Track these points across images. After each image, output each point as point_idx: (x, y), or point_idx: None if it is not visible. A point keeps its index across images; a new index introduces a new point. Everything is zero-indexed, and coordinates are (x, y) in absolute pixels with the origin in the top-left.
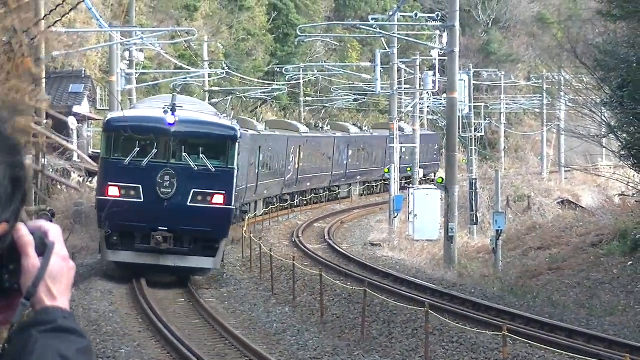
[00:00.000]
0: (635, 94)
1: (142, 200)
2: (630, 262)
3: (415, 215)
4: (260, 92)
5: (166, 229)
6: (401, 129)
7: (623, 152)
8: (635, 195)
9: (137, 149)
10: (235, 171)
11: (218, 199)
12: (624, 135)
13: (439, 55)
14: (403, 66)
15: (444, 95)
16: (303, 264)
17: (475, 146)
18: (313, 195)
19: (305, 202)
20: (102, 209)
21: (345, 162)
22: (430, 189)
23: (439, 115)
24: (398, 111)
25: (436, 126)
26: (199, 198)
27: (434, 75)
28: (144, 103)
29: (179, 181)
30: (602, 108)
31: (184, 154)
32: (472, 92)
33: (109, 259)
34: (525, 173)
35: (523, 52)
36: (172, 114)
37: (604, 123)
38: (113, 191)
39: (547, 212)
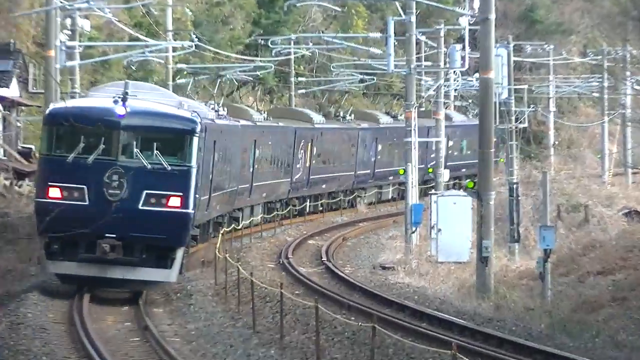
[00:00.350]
0: None
1: (86, 203)
2: None
3: (439, 230)
4: (240, 71)
5: (114, 236)
6: (449, 118)
7: None
8: None
9: (81, 145)
10: (194, 170)
11: (174, 201)
12: None
13: (470, 24)
14: (423, 38)
15: (476, 76)
16: (293, 293)
17: (516, 141)
18: (330, 199)
19: (321, 209)
20: (41, 214)
21: (373, 160)
22: (459, 195)
23: (470, 100)
24: (417, 95)
25: (465, 115)
26: (152, 201)
27: (463, 49)
28: (98, 91)
29: (129, 181)
30: None
31: (135, 150)
32: (513, 71)
33: (50, 270)
34: (580, 176)
35: (577, 20)
36: (123, 105)
37: None
38: (54, 193)
39: (610, 226)
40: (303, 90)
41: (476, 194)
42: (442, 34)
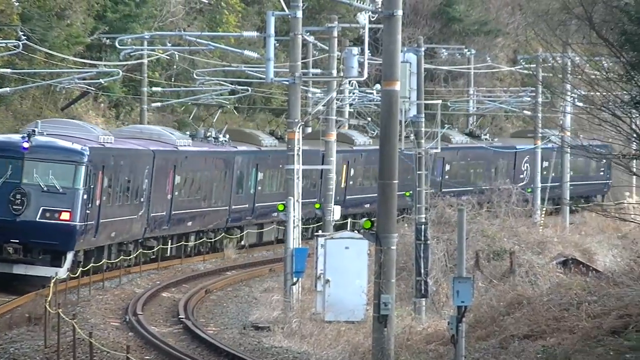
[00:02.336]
0: None
1: None
2: None
3: (327, 281)
4: (79, 78)
5: (17, 241)
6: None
7: None
8: None
9: None
10: (81, 191)
11: (65, 216)
12: None
13: (371, 22)
14: (311, 38)
15: (378, 87)
16: (143, 359)
17: (426, 170)
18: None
19: (187, 252)
20: None
21: (252, 191)
22: (353, 238)
23: (369, 118)
24: (303, 111)
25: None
26: (47, 215)
27: (362, 54)
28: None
29: (29, 199)
30: (633, 110)
31: (35, 175)
32: (424, 82)
33: None
34: (506, 214)
35: (506, 18)
36: (27, 141)
37: (634, 135)
38: None
39: (541, 278)
40: (158, 104)
41: (374, 236)
42: (335, 33)
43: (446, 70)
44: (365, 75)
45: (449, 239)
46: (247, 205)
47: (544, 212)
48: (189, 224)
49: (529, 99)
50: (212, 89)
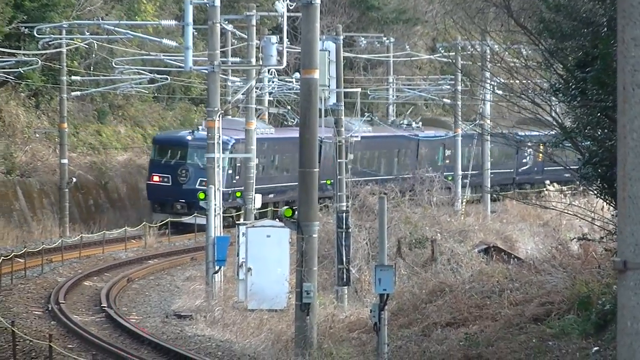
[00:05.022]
0: (604, 75)
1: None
2: (596, 348)
3: (249, 269)
4: None
5: (183, 201)
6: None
7: (585, 171)
8: (604, 240)
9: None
10: (227, 168)
11: None
12: (587, 142)
13: (289, 11)
14: (230, 27)
15: (297, 76)
16: (66, 347)
17: (346, 158)
18: None
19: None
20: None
21: None
22: (274, 226)
23: (289, 107)
24: (223, 100)
25: (283, 124)
26: (203, 184)
27: (280, 42)
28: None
29: (191, 174)
30: (552, 98)
31: (195, 157)
32: (343, 70)
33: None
34: (428, 202)
35: (424, 6)
36: (192, 134)
37: (554, 123)
38: (155, 179)
39: (463, 266)
40: (78, 93)
41: (296, 225)
42: (253, 22)
43: (365, 59)
44: (284, 63)
45: (371, 227)
46: None
47: (465, 201)
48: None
49: (448, 87)
50: (131, 77)
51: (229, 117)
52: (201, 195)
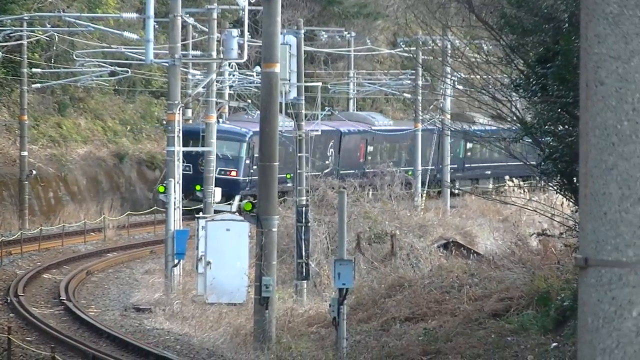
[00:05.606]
0: (565, 71)
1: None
2: (555, 344)
3: (208, 263)
4: None
5: None
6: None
7: (545, 166)
8: (563, 236)
9: None
10: (244, 158)
11: (233, 173)
12: (547, 138)
13: (250, 4)
14: (191, 20)
15: (258, 69)
16: (24, 340)
17: (307, 152)
18: None
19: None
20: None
21: None
22: (234, 220)
23: (249, 100)
24: (183, 93)
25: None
26: (223, 172)
27: (241, 36)
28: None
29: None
30: (512, 94)
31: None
32: (304, 64)
33: None
34: (387, 197)
35: (385, 1)
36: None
37: (514, 118)
38: None
39: (422, 261)
40: (38, 85)
41: (255, 218)
42: (215, 15)
43: (326, 53)
44: (245, 57)
45: (331, 222)
46: None
47: (424, 196)
48: None
49: (409, 81)
50: (92, 70)
51: (247, 113)
52: (161, 189)
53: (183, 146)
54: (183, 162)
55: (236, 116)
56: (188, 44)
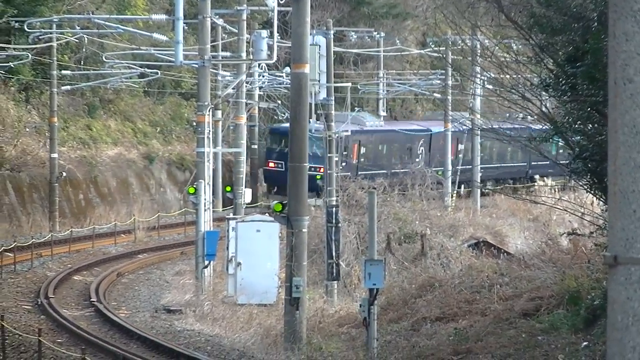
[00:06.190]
0: (594, 70)
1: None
2: (586, 343)
3: (239, 264)
4: None
5: None
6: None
7: (575, 165)
8: (593, 235)
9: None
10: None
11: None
12: (577, 137)
13: (279, 5)
14: (220, 21)
15: (287, 70)
16: (55, 342)
17: (337, 153)
18: None
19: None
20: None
21: None
22: (264, 221)
23: (279, 101)
24: (213, 94)
25: (273, 119)
26: (311, 169)
27: (271, 37)
28: None
29: None
30: (543, 93)
31: None
32: (333, 65)
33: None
34: (417, 197)
35: (414, 1)
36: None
37: (544, 118)
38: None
39: (453, 261)
40: (68, 87)
41: (285, 219)
42: (244, 16)
43: (355, 54)
44: (275, 58)
45: (361, 222)
46: None
47: (454, 196)
48: None
49: (438, 81)
50: (122, 72)
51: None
52: (191, 190)
53: (275, 145)
54: (277, 159)
55: None
56: (217, 45)
